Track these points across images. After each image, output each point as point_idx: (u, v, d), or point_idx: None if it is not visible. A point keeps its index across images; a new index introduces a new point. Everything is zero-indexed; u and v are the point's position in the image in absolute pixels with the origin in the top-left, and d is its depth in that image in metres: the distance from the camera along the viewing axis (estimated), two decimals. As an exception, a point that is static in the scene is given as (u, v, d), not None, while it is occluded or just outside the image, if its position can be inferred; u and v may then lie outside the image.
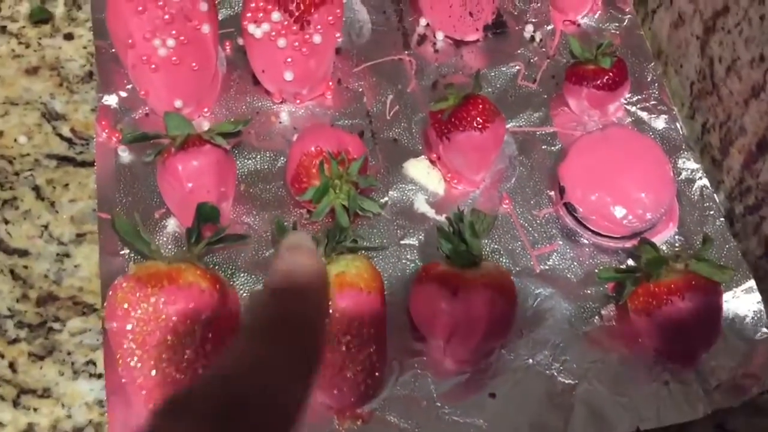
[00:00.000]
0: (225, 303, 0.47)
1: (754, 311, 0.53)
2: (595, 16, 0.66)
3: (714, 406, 0.50)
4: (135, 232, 0.48)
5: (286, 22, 0.56)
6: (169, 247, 0.54)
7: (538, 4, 0.66)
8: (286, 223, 0.51)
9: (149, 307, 0.44)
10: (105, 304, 0.46)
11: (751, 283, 0.54)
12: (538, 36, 0.65)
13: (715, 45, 0.55)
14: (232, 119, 0.56)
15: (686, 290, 0.49)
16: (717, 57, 0.55)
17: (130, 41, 0.55)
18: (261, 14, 0.56)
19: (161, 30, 0.55)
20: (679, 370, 0.51)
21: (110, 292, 0.45)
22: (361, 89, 0.62)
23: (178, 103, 0.57)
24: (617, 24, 0.66)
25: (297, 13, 0.56)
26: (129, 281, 0.45)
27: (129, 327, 0.44)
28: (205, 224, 0.50)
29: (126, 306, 0.44)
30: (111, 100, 0.59)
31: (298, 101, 0.60)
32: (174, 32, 0.55)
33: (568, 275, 0.55)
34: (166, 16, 0.54)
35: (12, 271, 0.53)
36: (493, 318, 0.48)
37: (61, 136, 0.58)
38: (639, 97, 0.62)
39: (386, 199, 0.57)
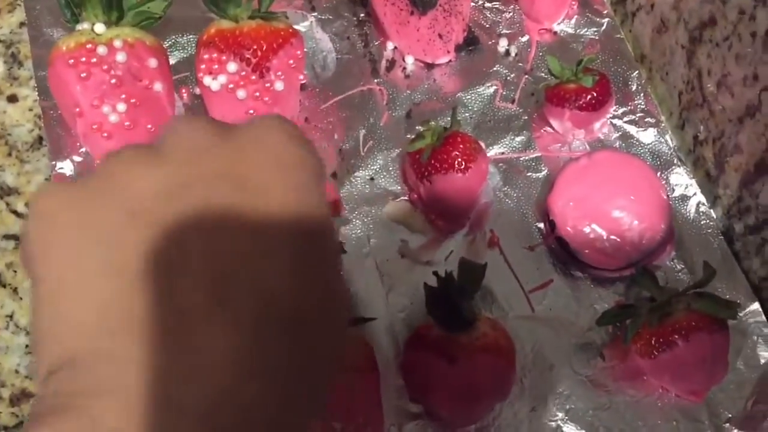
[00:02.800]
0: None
1: (760, 336, 0.51)
2: (572, 22, 0.62)
3: (726, 441, 0.49)
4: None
5: (243, 72, 0.52)
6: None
7: (511, 14, 0.62)
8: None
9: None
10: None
11: (756, 306, 0.52)
12: (513, 50, 0.61)
13: (703, 57, 0.52)
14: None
15: (690, 330, 0.46)
16: (706, 69, 0.52)
17: (77, 110, 0.51)
18: (216, 65, 0.52)
19: (109, 95, 0.50)
20: (687, 406, 0.50)
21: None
22: (330, 126, 0.58)
23: (137, 168, 0.53)
24: (595, 29, 0.62)
25: (254, 61, 0.52)
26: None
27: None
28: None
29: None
30: (65, 166, 0.55)
31: (265, 150, 0.56)
32: (123, 95, 0.51)
33: (566, 314, 0.52)
34: (113, 80, 0.50)
35: (-19, 370, 0.50)
36: (494, 383, 0.46)
37: (16, 212, 0.54)
38: (625, 109, 0.59)
39: (367, 248, 0.54)
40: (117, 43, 0.50)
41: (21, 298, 0.52)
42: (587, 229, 0.52)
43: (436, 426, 0.48)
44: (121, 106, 0.51)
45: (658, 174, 0.56)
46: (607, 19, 0.62)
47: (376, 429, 0.46)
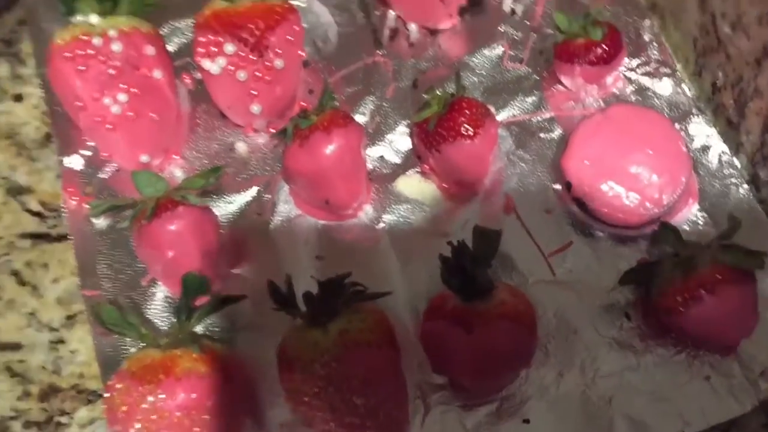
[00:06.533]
0: (229, 379, 0.45)
1: (792, 285, 0.50)
2: (578, -25, 0.60)
3: (762, 395, 0.47)
4: (122, 319, 0.45)
5: (242, 53, 0.51)
6: (163, 315, 0.51)
7: (514, -29, 0.60)
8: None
9: (149, 407, 0.41)
10: (104, 406, 0.44)
11: (786, 254, 0.50)
12: (518, 8, 0.59)
13: (716, -1, 0.50)
14: (203, 171, 0.52)
15: (717, 284, 0.45)
16: (719, 12, 0.50)
17: (79, 104, 0.50)
18: (214, 48, 0.51)
19: (109, 86, 0.50)
20: (718, 361, 0.48)
21: (106, 394, 0.43)
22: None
23: (144, 158, 0.53)
24: (603, -21, 0.60)
25: (252, 40, 0.51)
26: (123, 380, 0.42)
27: (132, 431, 0.42)
28: (194, 297, 0.46)
29: (125, 408, 0.42)
30: (75, 162, 0.55)
31: (272, 130, 0.56)
32: (123, 86, 0.50)
33: (588, 276, 0.51)
34: (111, 71, 0.50)
35: (8, 368, 0.50)
36: (515, 350, 0.45)
37: (30, 211, 0.55)
38: (638, 61, 0.57)
39: (381, 225, 0.53)
40: (112, 33, 0.50)
41: (41, 296, 0.52)
42: (605, 188, 0.50)
43: (461, 396, 0.48)
44: (122, 97, 0.50)
45: (677, 125, 0.54)
46: (614, -31, 0.60)
47: (400, 403, 0.46)
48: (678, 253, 0.47)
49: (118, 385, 0.42)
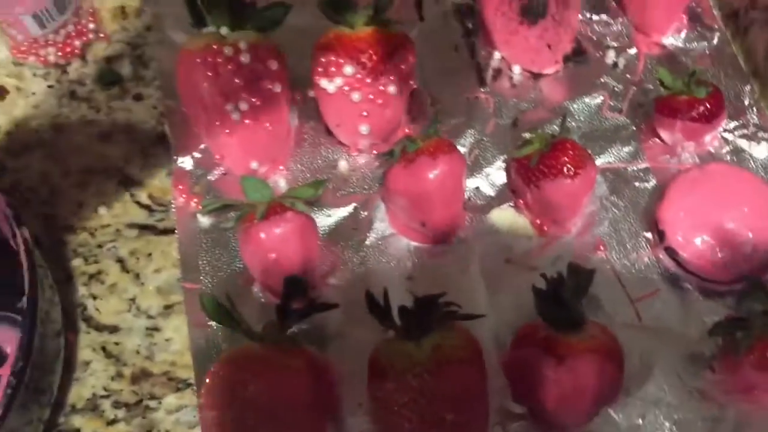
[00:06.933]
0: (319, 380, 0.46)
1: None
2: (681, 36, 0.62)
3: None
4: (224, 312, 0.47)
5: (359, 75, 0.54)
6: (257, 315, 0.53)
7: (619, 27, 0.62)
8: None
9: (247, 396, 0.43)
10: (201, 391, 0.45)
11: None
12: (621, 61, 0.61)
13: (824, 69, 0.51)
14: (310, 182, 0.55)
15: (809, 345, 0.45)
16: (826, 82, 0.51)
17: (202, 107, 0.53)
18: (333, 68, 0.54)
19: (233, 94, 0.53)
20: (802, 424, 0.48)
21: (206, 380, 0.45)
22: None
23: (253, 165, 0.56)
24: (705, 43, 0.62)
25: (370, 65, 0.54)
26: (225, 368, 0.44)
27: (229, 417, 0.43)
28: (294, 299, 0.48)
29: (224, 395, 0.43)
30: (186, 161, 0.58)
31: (374, 152, 0.58)
32: (246, 95, 0.53)
33: (674, 324, 0.52)
34: (238, 80, 0.53)
35: (104, 349, 0.53)
36: (603, 386, 0.45)
37: (139, 203, 0.58)
38: (737, 123, 0.58)
39: (472, 255, 0.54)
40: (242, 45, 0.53)
41: (142, 284, 0.54)
42: (698, 240, 0.51)
43: (540, 428, 0.48)
44: (243, 105, 0.53)
45: (772, 188, 0.55)
46: (717, 34, 0.62)
47: (483, 425, 0.46)
48: (767, 312, 0.48)
49: (220, 372, 0.44)
